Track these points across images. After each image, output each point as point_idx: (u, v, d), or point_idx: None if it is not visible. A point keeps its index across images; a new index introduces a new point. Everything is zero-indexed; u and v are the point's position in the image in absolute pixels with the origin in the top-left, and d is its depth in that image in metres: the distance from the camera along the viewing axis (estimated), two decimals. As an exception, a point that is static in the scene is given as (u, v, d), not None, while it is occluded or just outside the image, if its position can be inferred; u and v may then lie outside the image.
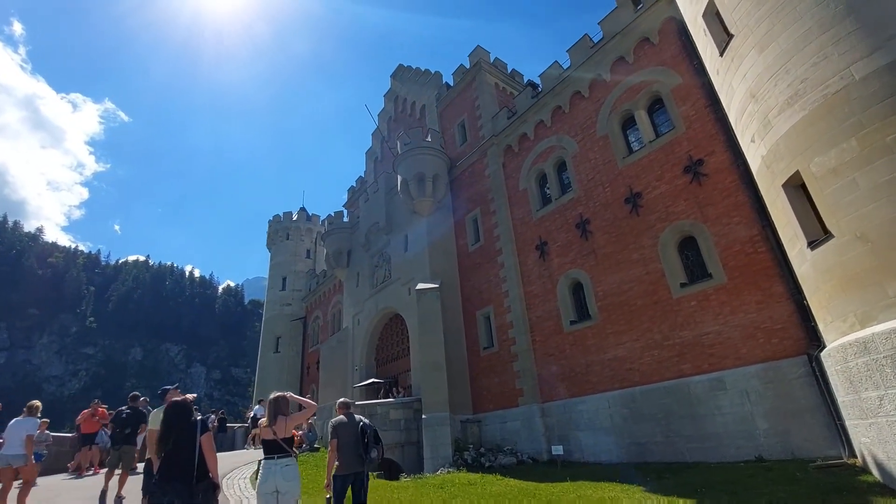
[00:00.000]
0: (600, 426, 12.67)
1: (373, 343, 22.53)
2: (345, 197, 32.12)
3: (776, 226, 9.84)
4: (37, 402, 7.70)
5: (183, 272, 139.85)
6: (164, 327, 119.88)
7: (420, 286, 17.18)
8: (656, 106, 14.04)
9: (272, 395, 4.81)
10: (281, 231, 37.79)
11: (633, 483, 9.65)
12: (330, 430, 8.59)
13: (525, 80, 23.90)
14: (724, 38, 10.80)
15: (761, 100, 9.45)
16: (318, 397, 22.98)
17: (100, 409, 12.65)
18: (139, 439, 9.77)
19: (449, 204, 20.62)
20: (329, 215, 27.10)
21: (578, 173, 15.49)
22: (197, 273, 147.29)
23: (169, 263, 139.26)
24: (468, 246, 19.22)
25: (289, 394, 4.89)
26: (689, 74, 12.99)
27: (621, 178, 14.08)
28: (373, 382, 19.97)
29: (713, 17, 11.19)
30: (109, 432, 10.89)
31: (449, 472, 12.95)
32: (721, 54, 10.68)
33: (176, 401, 4.50)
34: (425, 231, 19.44)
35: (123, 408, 9.42)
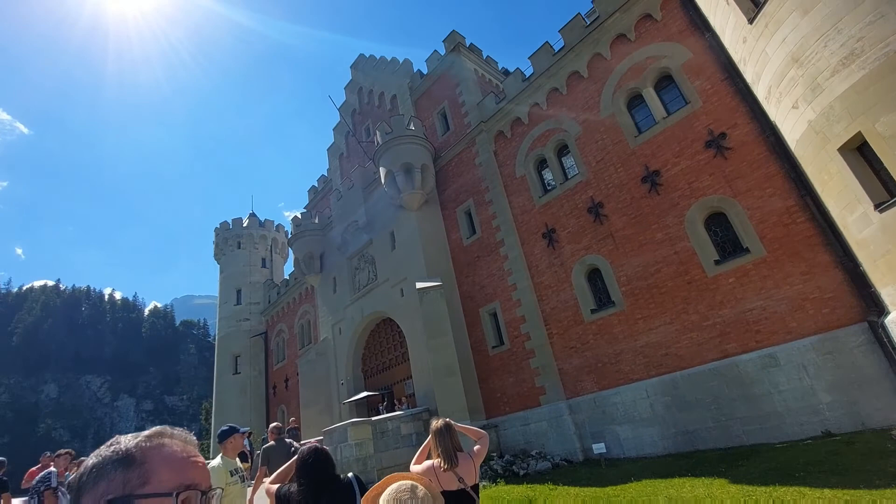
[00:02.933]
0: (640, 417, 12.01)
1: (358, 353, 20.69)
2: (303, 199, 29.72)
3: (822, 193, 9.64)
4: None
5: (101, 295, 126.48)
6: (82, 358, 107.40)
7: (421, 285, 15.77)
8: (664, 83, 13.72)
9: (436, 424, 3.34)
10: (231, 240, 34.40)
11: (706, 475, 8.97)
12: (260, 455, 7.45)
13: (500, 67, 23.22)
14: (752, 4, 10.58)
15: (807, 63, 9.16)
16: (301, 418, 20.72)
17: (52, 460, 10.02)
18: None
19: (435, 197, 19.35)
20: (295, 217, 24.75)
21: (585, 155, 14.87)
22: (118, 295, 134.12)
23: (84, 287, 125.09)
24: (462, 240, 18.06)
25: (444, 420, 3.47)
26: (700, 48, 12.73)
27: (635, 157, 13.61)
28: (368, 396, 18.19)
29: (736, -15, 10.95)
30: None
31: (484, 485, 11.70)
32: (751, 21, 10.40)
33: (318, 448, 2.98)
34: (416, 225, 18.02)
35: None
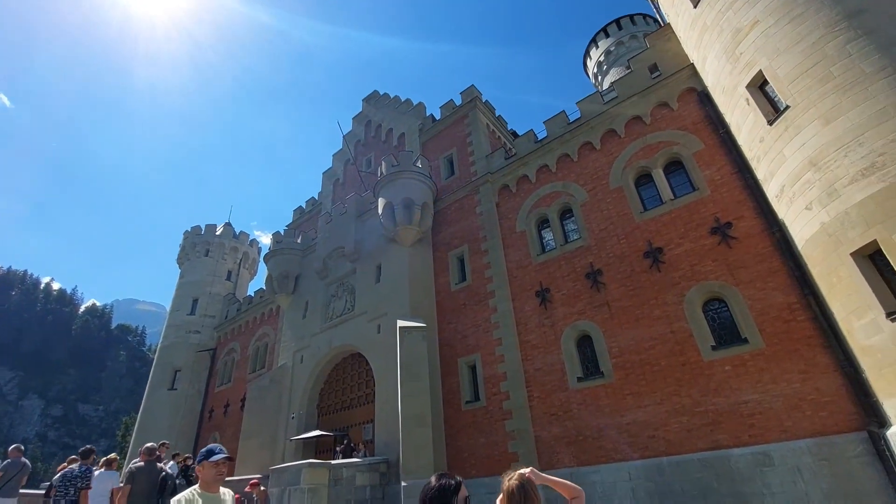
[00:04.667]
0: (619, 501, 11.21)
1: (317, 387, 19.18)
2: (277, 221, 28.81)
3: (827, 295, 9.78)
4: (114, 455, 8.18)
5: (38, 283, 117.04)
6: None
7: (403, 323, 14.94)
8: (672, 167, 14.20)
9: (510, 483, 2.60)
10: (199, 245, 32.61)
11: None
12: (125, 475, 7.11)
13: (508, 128, 23.89)
14: (772, 108, 11.20)
15: (825, 168, 9.56)
16: (237, 450, 18.66)
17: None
18: None
19: (429, 238, 18.97)
20: (277, 233, 23.74)
21: (588, 222, 14.96)
22: (56, 286, 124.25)
23: (21, 271, 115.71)
24: (450, 285, 17.54)
25: (529, 470, 2.74)
26: (712, 141, 13.33)
27: (639, 231, 13.74)
28: (320, 436, 16.61)
29: (758, 89, 11.66)
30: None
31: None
32: (770, 123, 10.96)
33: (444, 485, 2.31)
34: (406, 262, 17.44)
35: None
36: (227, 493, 3.28)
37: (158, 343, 30.87)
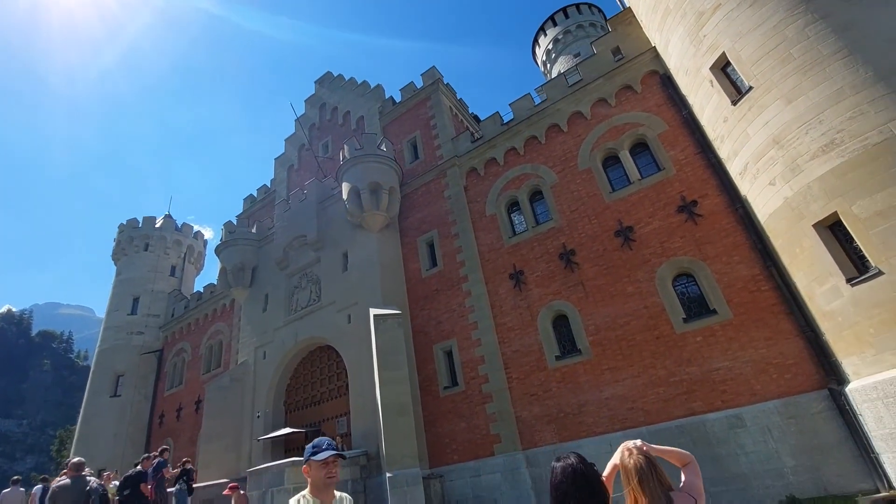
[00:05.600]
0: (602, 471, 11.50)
1: (283, 383, 18.29)
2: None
3: (790, 265, 10.43)
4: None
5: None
6: None
7: (377, 311, 14.46)
8: (638, 149, 14.58)
9: (633, 460, 2.33)
10: (138, 239, 30.00)
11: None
12: (48, 497, 7.04)
13: (469, 111, 23.64)
14: (734, 90, 11.69)
15: (787, 146, 10.10)
16: (197, 454, 17.49)
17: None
18: None
19: (396, 224, 18.47)
20: (229, 222, 22.18)
21: (559, 203, 15.11)
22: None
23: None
24: (421, 271, 17.20)
25: (641, 442, 2.49)
26: (676, 122, 13.79)
27: (609, 211, 14.05)
28: (291, 433, 15.86)
29: (720, 70, 12.12)
30: None
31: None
32: (734, 104, 11.44)
33: (577, 466, 2.04)
34: (375, 249, 16.88)
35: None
36: (345, 499, 2.83)
37: (95, 347, 28.24)
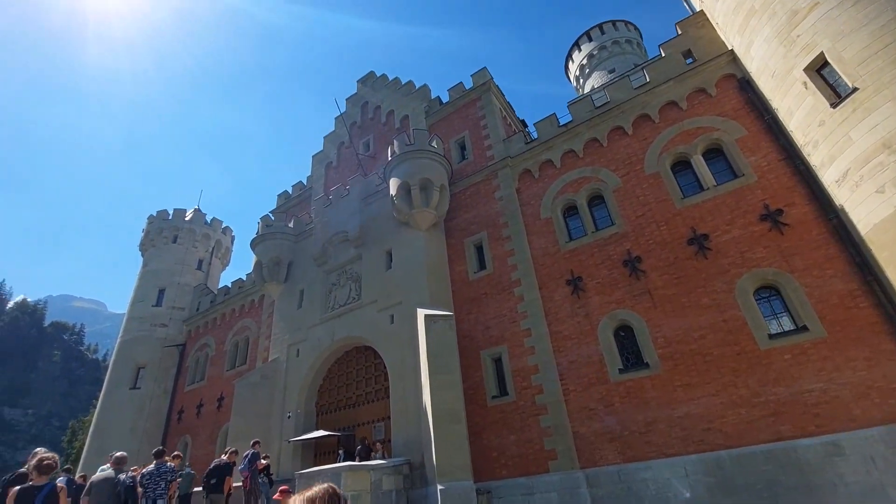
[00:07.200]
0: (676, 499, 10.54)
1: (316, 383, 17.54)
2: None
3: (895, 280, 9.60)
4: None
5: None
6: None
7: (427, 312, 13.71)
8: (712, 154, 13.86)
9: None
10: (167, 231, 29.74)
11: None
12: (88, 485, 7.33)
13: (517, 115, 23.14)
14: (833, 92, 10.96)
15: (902, 151, 9.35)
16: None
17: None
18: None
19: (441, 224, 17.83)
20: (266, 216, 21.76)
21: (623, 208, 14.37)
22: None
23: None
24: (468, 273, 16.47)
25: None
26: (756, 128, 13.08)
27: (680, 218, 13.27)
28: (326, 436, 15.04)
29: (815, 72, 11.41)
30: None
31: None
32: (833, 106, 10.71)
33: None
34: (423, 247, 16.22)
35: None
36: None
37: (116, 339, 27.77)
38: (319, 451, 16.57)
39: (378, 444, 14.11)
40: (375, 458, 12.91)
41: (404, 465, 12.68)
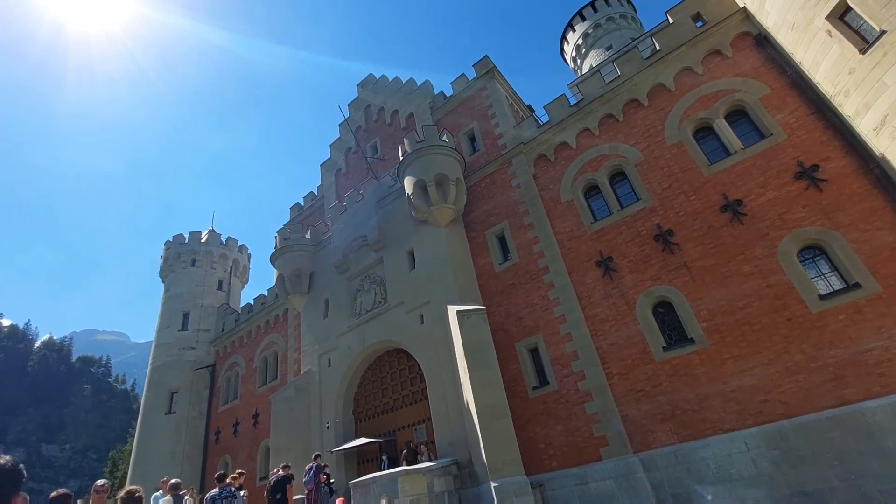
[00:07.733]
0: (739, 475, 10.16)
1: (352, 391, 17.41)
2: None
3: (957, 225, 9.11)
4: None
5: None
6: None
7: (459, 308, 13.47)
8: (734, 116, 13.39)
9: None
10: (185, 255, 29.91)
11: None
12: None
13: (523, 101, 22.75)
14: (859, 38, 10.45)
15: (947, 88, 8.86)
16: (273, 468, 16.63)
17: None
18: None
19: (460, 218, 17.55)
20: (282, 229, 21.71)
21: (648, 182, 13.97)
22: (6, 322, 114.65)
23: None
24: (493, 265, 16.18)
25: None
26: (780, 84, 12.59)
27: (709, 185, 12.84)
28: (369, 443, 14.89)
29: (839, 19, 10.90)
30: None
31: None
32: (862, 52, 10.21)
33: None
34: (445, 244, 15.97)
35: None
36: None
37: (147, 367, 28.00)
38: (362, 459, 16.44)
39: (422, 446, 13.92)
40: (422, 461, 12.71)
41: (452, 465, 12.47)
